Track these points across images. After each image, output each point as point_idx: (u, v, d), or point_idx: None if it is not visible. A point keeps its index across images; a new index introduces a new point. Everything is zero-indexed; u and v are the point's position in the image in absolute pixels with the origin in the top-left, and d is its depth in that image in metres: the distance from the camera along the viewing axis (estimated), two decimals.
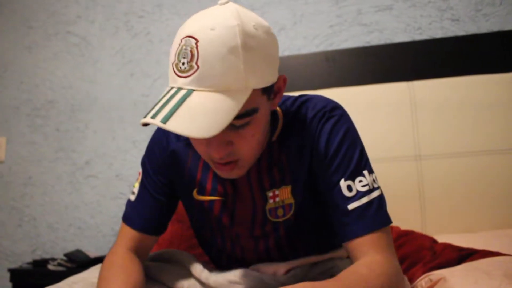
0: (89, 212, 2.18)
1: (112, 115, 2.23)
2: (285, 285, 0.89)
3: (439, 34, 1.88)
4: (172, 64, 0.70)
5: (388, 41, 1.91)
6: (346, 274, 0.72)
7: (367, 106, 1.70)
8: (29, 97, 2.36)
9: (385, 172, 1.59)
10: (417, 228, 1.54)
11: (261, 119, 0.76)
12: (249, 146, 0.76)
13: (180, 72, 0.68)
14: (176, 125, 0.63)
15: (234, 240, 0.95)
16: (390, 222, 0.81)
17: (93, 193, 2.19)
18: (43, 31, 2.40)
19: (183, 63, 0.67)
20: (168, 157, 0.94)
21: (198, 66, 0.66)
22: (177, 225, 1.37)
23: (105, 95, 2.25)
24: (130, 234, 0.94)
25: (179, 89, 0.68)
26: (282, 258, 0.95)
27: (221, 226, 0.93)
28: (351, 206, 0.79)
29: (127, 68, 2.24)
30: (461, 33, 1.85)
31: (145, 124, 0.66)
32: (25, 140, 2.33)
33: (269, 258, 0.95)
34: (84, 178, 2.21)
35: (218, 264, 1.03)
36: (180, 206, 1.03)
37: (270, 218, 0.89)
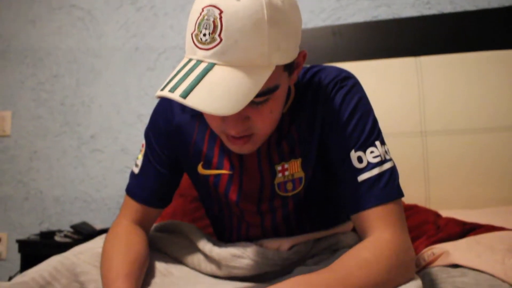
0: (95, 186, 2.20)
1: (117, 90, 2.22)
2: (288, 260, 0.90)
3: (448, 8, 1.84)
4: (192, 34, 0.66)
5: (396, 16, 1.88)
6: (347, 260, 0.68)
7: (374, 81, 1.69)
8: (34, 71, 2.36)
9: (390, 147, 1.57)
10: (421, 203, 1.54)
11: (280, 96, 0.73)
12: (265, 123, 0.73)
13: (201, 44, 0.64)
14: (197, 101, 0.60)
15: (240, 215, 0.94)
16: (402, 195, 0.78)
17: (98, 167, 2.21)
18: (47, 4, 2.38)
19: (205, 34, 0.63)
20: (173, 129, 0.92)
21: (221, 39, 0.62)
22: (179, 199, 1.38)
23: (110, 69, 2.24)
24: (133, 206, 0.93)
25: (199, 61, 0.64)
26: (289, 234, 0.94)
27: (228, 201, 0.92)
28: (361, 178, 0.76)
29: (131, 42, 2.23)
30: (471, 7, 1.82)
31: (161, 98, 0.63)
32: (30, 114, 2.33)
33: (276, 233, 0.94)
34: (90, 152, 2.22)
35: (224, 238, 1.02)
36: (183, 179, 1.02)
37: (279, 192, 0.87)
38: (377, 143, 0.79)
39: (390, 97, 1.66)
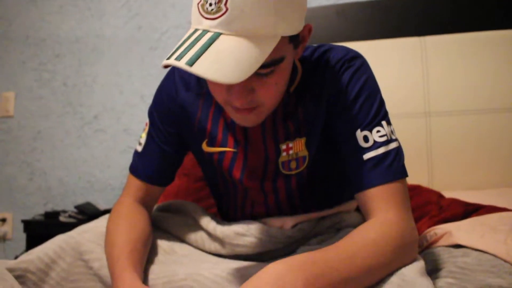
0: (98, 166, 2.21)
1: (120, 69, 2.21)
2: (291, 239, 0.91)
3: None
4: (198, 4, 0.66)
5: None
6: (353, 239, 0.68)
7: (378, 61, 1.67)
8: (36, 52, 2.34)
9: (394, 128, 1.58)
10: (424, 184, 1.54)
11: (286, 69, 0.74)
12: (270, 95, 0.74)
13: (207, 14, 0.64)
14: (202, 69, 0.60)
15: (244, 194, 0.95)
16: (407, 175, 0.78)
17: (101, 147, 2.21)
18: None
19: (210, 4, 0.63)
20: (177, 107, 0.92)
21: (226, 9, 0.62)
22: (183, 178, 1.38)
23: (112, 49, 2.23)
24: (136, 184, 0.94)
25: (205, 31, 0.64)
26: (292, 212, 0.94)
27: (232, 178, 0.92)
28: (366, 156, 0.77)
29: (134, 21, 2.21)
30: None
31: (167, 66, 0.63)
32: (33, 95, 2.33)
33: (280, 212, 0.95)
34: (93, 132, 2.23)
35: (228, 217, 1.03)
36: (187, 159, 1.02)
37: (282, 171, 0.88)
38: (384, 123, 0.79)
39: (394, 77, 1.65)
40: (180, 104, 0.92)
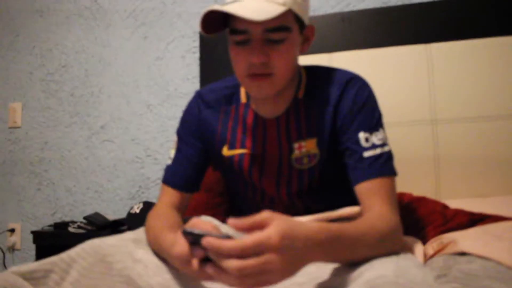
0: (106, 176, 2.22)
1: (126, 79, 2.23)
2: None
3: None
4: None
5: (406, 2, 1.85)
6: (361, 221, 0.81)
7: (384, 69, 1.67)
8: (43, 62, 2.36)
9: (400, 136, 1.58)
10: (431, 192, 1.54)
11: (293, 43, 0.93)
12: (282, 61, 0.92)
13: None
14: (233, 9, 0.84)
15: (263, 193, 1.09)
16: (396, 174, 0.94)
17: (109, 157, 2.22)
18: None
19: None
20: (200, 123, 1.10)
21: None
22: (204, 194, 1.41)
23: (118, 59, 2.25)
24: (168, 192, 1.08)
25: None
26: (306, 211, 1.07)
27: (251, 178, 1.08)
28: (366, 154, 0.93)
29: (140, 31, 2.22)
30: None
31: (205, 30, 0.91)
32: (40, 105, 2.35)
33: (295, 211, 1.07)
34: (100, 142, 2.24)
35: None
36: (209, 175, 1.16)
37: (295, 165, 1.04)
38: (381, 129, 0.97)
39: (400, 85, 1.65)
40: (203, 120, 1.10)
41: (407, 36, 1.73)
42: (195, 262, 0.71)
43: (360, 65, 1.65)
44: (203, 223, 0.77)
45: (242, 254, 0.61)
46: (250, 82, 0.94)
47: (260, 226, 0.64)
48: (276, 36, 0.89)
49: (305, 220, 0.99)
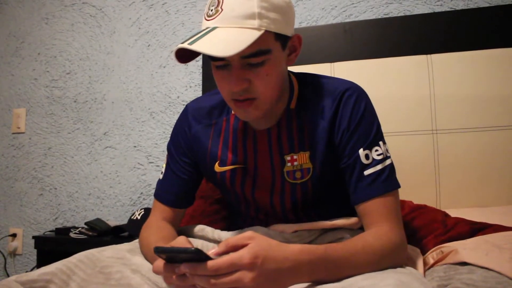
0: (108, 182, 2.23)
1: (129, 87, 2.24)
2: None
3: (460, 5, 1.83)
4: (205, 14, 0.85)
5: (408, 13, 1.87)
6: (352, 241, 0.81)
7: (385, 79, 1.69)
8: (47, 69, 2.39)
9: (401, 146, 1.59)
10: (431, 201, 1.54)
11: (275, 63, 0.87)
12: (264, 85, 0.86)
13: (209, 17, 0.83)
14: (200, 46, 0.77)
15: (257, 207, 1.06)
16: (399, 186, 0.92)
17: (111, 164, 2.23)
18: (59, 2, 2.40)
19: (211, 10, 0.83)
20: (191, 139, 1.07)
21: (222, 10, 0.81)
22: (200, 200, 1.40)
23: (122, 66, 2.27)
24: (160, 208, 1.07)
25: (207, 28, 0.82)
26: (297, 221, 1.04)
27: (244, 193, 1.04)
28: (367, 172, 0.91)
29: (143, 39, 2.25)
30: (484, 4, 1.81)
31: (178, 52, 0.83)
32: (44, 111, 2.37)
33: (288, 222, 1.04)
34: (103, 149, 2.25)
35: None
36: (205, 183, 1.12)
37: (288, 179, 0.99)
38: (381, 143, 0.94)
39: (401, 95, 1.66)
40: (193, 136, 1.07)
41: (408, 47, 1.75)
42: (175, 278, 0.72)
43: (361, 75, 1.67)
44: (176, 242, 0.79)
45: (216, 274, 0.65)
46: (235, 107, 0.90)
47: (238, 248, 0.68)
48: (254, 60, 0.84)
49: (298, 229, 1.00)
